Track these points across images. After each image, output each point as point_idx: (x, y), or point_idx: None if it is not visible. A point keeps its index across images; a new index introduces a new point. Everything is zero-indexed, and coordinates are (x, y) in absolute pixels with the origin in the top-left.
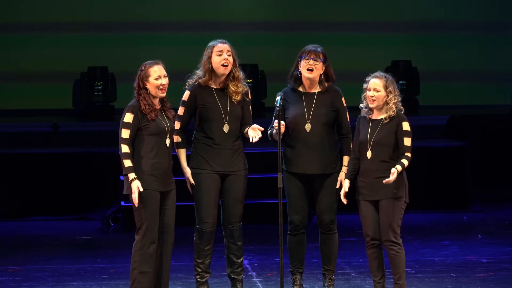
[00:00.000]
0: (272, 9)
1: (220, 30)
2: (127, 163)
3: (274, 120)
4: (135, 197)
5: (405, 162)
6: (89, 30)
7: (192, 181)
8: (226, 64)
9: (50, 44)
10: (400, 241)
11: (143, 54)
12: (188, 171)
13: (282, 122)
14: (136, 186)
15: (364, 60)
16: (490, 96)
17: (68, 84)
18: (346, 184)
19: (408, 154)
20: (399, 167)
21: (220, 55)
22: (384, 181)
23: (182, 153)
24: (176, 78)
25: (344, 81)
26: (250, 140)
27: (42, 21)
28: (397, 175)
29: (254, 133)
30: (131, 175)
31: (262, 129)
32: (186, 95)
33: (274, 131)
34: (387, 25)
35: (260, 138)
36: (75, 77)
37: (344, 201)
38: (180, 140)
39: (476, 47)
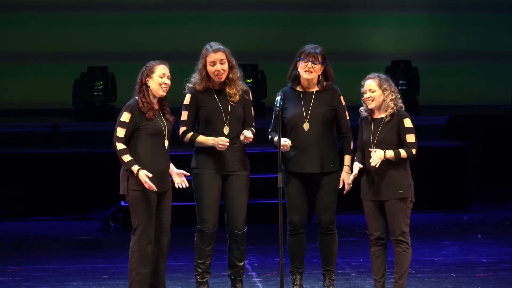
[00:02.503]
0: None
1: (220, 9)
2: (127, 157)
3: (273, 121)
4: (150, 185)
5: (403, 152)
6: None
7: (225, 139)
8: (221, 74)
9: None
10: (409, 240)
11: (142, 34)
12: (218, 139)
13: (287, 139)
14: (144, 174)
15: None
16: (490, 96)
17: (69, 64)
18: (356, 165)
19: (413, 150)
20: (390, 153)
21: (213, 65)
22: (370, 160)
23: (201, 136)
24: (177, 59)
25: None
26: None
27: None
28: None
29: (241, 137)
30: (135, 167)
31: (251, 136)
32: (187, 98)
33: (276, 137)
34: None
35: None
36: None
37: (347, 188)
38: (192, 132)
39: (478, 45)
